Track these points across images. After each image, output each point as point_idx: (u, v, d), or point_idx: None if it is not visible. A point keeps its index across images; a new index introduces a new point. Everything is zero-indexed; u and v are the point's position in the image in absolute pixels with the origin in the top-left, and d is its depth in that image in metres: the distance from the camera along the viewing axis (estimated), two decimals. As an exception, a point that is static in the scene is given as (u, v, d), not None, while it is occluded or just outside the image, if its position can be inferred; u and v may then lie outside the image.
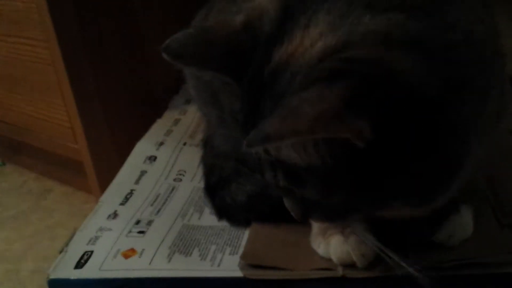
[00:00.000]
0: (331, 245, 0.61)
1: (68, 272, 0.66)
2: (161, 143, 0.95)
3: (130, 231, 0.72)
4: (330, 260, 0.61)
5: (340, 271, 0.60)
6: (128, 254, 0.68)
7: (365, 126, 0.42)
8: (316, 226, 0.64)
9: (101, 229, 0.73)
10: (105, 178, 0.91)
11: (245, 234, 0.70)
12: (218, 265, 0.65)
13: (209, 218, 0.75)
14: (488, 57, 0.51)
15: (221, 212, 0.75)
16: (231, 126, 0.60)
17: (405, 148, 0.45)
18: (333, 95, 0.41)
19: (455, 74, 0.46)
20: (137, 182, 0.84)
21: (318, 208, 0.53)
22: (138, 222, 0.74)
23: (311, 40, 0.46)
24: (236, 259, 0.65)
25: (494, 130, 0.57)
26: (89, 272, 0.65)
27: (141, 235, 0.71)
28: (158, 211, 0.77)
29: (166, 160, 0.90)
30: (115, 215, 0.76)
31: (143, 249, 0.68)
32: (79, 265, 0.66)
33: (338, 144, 0.44)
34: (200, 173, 0.84)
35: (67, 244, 0.70)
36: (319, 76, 0.43)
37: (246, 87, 0.51)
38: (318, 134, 0.42)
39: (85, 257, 0.68)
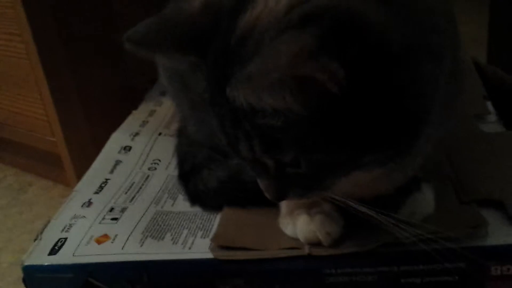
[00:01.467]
0: (297, 225, 0.63)
1: (42, 258, 0.67)
2: (136, 134, 0.96)
3: (103, 218, 0.73)
4: (297, 239, 0.63)
5: (306, 250, 0.61)
6: (101, 240, 0.69)
7: (338, 69, 0.44)
8: (284, 208, 0.66)
9: (75, 217, 0.74)
10: (83, 170, 0.91)
11: (217, 218, 0.71)
12: (190, 248, 0.66)
13: (182, 204, 0.76)
14: (445, 30, 0.55)
15: (194, 198, 0.76)
16: (202, 109, 0.61)
17: (373, 99, 0.47)
18: (307, 35, 0.42)
19: (417, 34, 0.49)
20: (111, 171, 0.85)
21: (293, 179, 0.53)
22: (112, 210, 0.75)
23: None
24: (207, 242, 0.66)
25: (453, 106, 0.60)
26: (62, 258, 0.66)
27: (115, 221, 0.72)
28: (132, 199, 0.78)
29: (141, 149, 0.91)
30: (89, 203, 0.77)
31: (116, 235, 0.69)
32: (53, 251, 0.67)
33: (315, 91, 0.45)
34: (174, 161, 0.85)
35: (41, 232, 0.71)
36: (290, 24, 0.44)
37: (211, 61, 0.51)
38: (297, 70, 0.43)
39: (59, 244, 0.69)
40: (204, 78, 0.54)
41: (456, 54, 0.58)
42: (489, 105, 0.89)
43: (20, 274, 0.67)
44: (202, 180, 0.75)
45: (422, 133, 0.52)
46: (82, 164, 1.09)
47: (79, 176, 1.10)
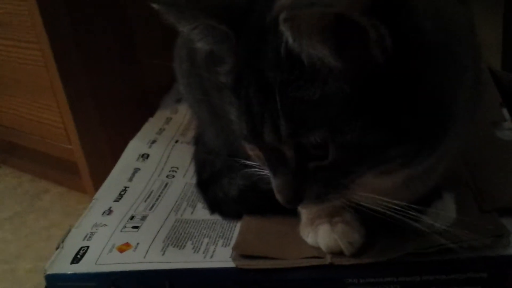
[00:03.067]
0: (319, 234, 0.63)
1: (65, 267, 0.67)
2: (154, 141, 0.97)
3: (124, 226, 0.74)
4: (318, 248, 0.63)
5: (328, 259, 0.62)
6: (123, 248, 0.69)
7: (386, 34, 0.44)
8: (305, 216, 0.66)
9: (96, 225, 0.74)
10: (99, 178, 0.92)
11: (237, 226, 0.72)
12: (211, 257, 0.67)
13: (201, 212, 0.77)
14: (469, 40, 0.56)
15: (213, 206, 0.77)
16: (223, 101, 0.57)
17: (411, 84, 0.48)
18: None
19: (447, 38, 0.51)
20: (130, 179, 0.86)
21: (314, 175, 0.52)
22: (132, 218, 0.76)
23: None
24: (229, 250, 0.67)
25: (473, 116, 0.60)
26: (85, 266, 0.67)
27: (136, 230, 0.73)
28: (152, 207, 0.78)
29: (158, 157, 0.92)
30: (109, 211, 0.78)
31: (138, 243, 0.70)
32: (75, 260, 0.68)
33: (360, 51, 0.45)
34: (192, 169, 0.86)
35: (63, 241, 0.72)
36: None
37: (245, 37, 0.50)
38: (353, 16, 0.42)
39: (81, 252, 0.69)
40: (231, 56, 0.53)
41: (477, 65, 0.58)
42: (505, 112, 0.89)
43: (38, 281, 0.67)
44: (222, 189, 0.76)
45: (447, 134, 0.52)
46: (99, 171, 1.10)
47: (95, 183, 1.12)
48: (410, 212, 0.54)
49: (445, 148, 0.55)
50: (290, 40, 0.45)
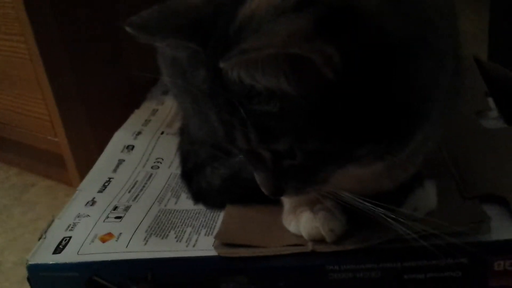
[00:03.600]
0: (301, 222, 0.63)
1: (47, 257, 0.67)
2: (139, 133, 0.96)
3: (107, 217, 0.73)
4: (301, 236, 0.63)
5: (310, 246, 0.62)
6: (105, 238, 0.69)
7: (334, 53, 0.44)
8: (287, 205, 0.66)
9: (79, 216, 0.74)
10: (86, 170, 0.91)
11: (220, 216, 0.72)
12: (194, 246, 0.67)
13: (185, 202, 0.77)
14: (445, 27, 0.55)
15: (197, 196, 0.76)
16: (202, 104, 0.60)
17: (369, 89, 0.47)
18: (303, 19, 0.43)
19: (414, 28, 0.49)
20: (114, 170, 0.86)
21: (289, 173, 0.53)
22: (115, 208, 0.75)
23: None
24: (211, 239, 0.67)
25: (454, 104, 0.60)
26: (67, 256, 0.67)
27: (119, 220, 0.73)
28: (136, 197, 0.78)
29: (143, 148, 0.92)
30: (93, 202, 0.77)
31: (120, 233, 0.70)
32: (58, 250, 0.68)
33: (309, 74, 0.45)
34: (177, 160, 0.86)
35: (45, 231, 0.72)
36: (286, 9, 0.45)
37: (211, 50, 0.51)
38: (292, 49, 0.43)
39: (63, 242, 0.69)
40: (203, 67, 0.54)
41: (457, 52, 0.58)
42: (491, 101, 0.89)
43: (24, 273, 0.67)
44: (205, 178, 0.76)
45: (419, 128, 0.52)
46: (85, 164, 1.10)
47: (82, 176, 1.11)
48: (383, 209, 0.55)
49: (423, 137, 0.54)
50: (243, 76, 0.47)
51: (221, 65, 0.44)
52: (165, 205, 0.76)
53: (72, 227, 0.72)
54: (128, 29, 0.51)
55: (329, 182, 0.55)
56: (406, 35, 0.48)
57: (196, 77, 0.57)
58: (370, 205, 0.55)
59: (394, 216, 0.56)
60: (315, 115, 0.48)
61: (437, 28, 0.53)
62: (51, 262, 0.66)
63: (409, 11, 0.49)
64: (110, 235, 0.70)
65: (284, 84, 0.46)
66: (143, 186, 0.81)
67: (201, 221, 0.72)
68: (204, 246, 0.66)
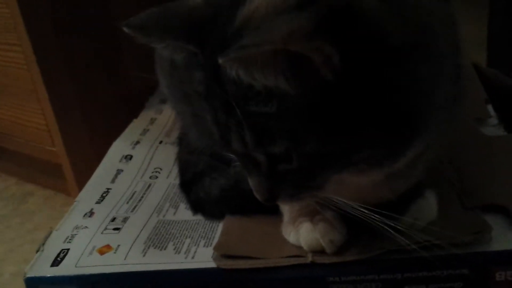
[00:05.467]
0: (300, 232, 0.62)
1: (45, 270, 0.66)
2: (137, 142, 0.96)
3: (105, 228, 0.73)
4: (300, 247, 0.62)
5: (309, 258, 0.61)
6: (104, 250, 0.68)
7: (333, 53, 0.44)
8: (287, 215, 0.66)
9: (77, 228, 0.74)
10: (84, 180, 0.91)
11: (219, 227, 0.71)
12: (192, 257, 0.66)
13: (184, 213, 0.76)
14: (445, 34, 0.55)
15: (196, 206, 0.76)
16: (199, 108, 0.58)
17: (368, 92, 0.47)
18: (304, 18, 0.43)
19: (413, 33, 0.49)
20: (113, 181, 0.85)
21: (285, 177, 0.53)
22: (113, 219, 0.75)
23: None
24: (210, 251, 0.66)
25: (456, 112, 0.60)
26: (65, 269, 0.66)
27: (117, 231, 0.72)
28: (134, 208, 0.78)
29: (142, 158, 0.91)
30: (91, 213, 0.77)
31: (119, 245, 0.69)
32: (56, 263, 0.67)
33: (308, 74, 0.45)
34: (175, 170, 0.85)
35: (43, 243, 0.71)
36: (287, 9, 0.44)
37: (209, 51, 0.51)
38: (292, 46, 0.43)
39: (61, 255, 0.68)
40: (200, 69, 0.54)
41: (458, 60, 0.57)
42: (490, 108, 0.89)
43: (22, 284, 0.66)
44: (203, 189, 0.75)
45: (417, 136, 0.52)
46: (83, 174, 1.09)
47: (80, 186, 1.10)
48: (385, 219, 0.54)
49: (424, 145, 0.54)
50: (242, 73, 0.46)
51: (220, 61, 0.44)
52: (164, 216, 0.76)
53: (70, 239, 0.71)
54: (125, 29, 0.51)
55: (325, 188, 0.54)
56: (406, 39, 0.48)
57: (192, 79, 0.56)
58: (371, 213, 0.55)
59: (394, 225, 0.55)
60: (313, 116, 0.47)
61: (437, 34, 0.52)
62: (49, 275, 0.66)
63: (410, 15, 0.49)
64: (108, 247, 0.69)
65: (283, 83, 0.46)
66: (142, 197, 0.81)
67: (200, 232, 0.71)
68: (203, 258, 0.65)
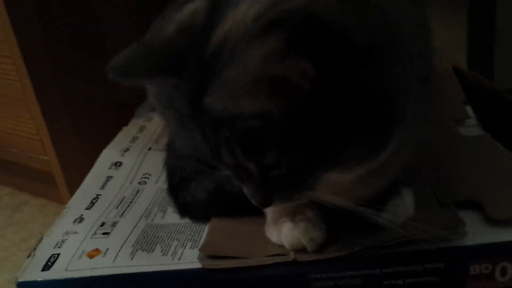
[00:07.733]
0: (282, 232, 0.64)
1: (36, 274, 0.68)
2: (127, 149, 0.98)
3: (95, 233, 0.75)
4: (282, 246, 0.64)
5: (291, 256, 0.63)
6: (93, 254, 0.70)
7: (307, 66, 0.46)
8: (269, 216, 0.68)
9: (67, 233, 0.75)
10: (76, 188, 0.92)
11: (206, 229, 0.73)
12: (179, 259, 0.68)
13: (172, 217, 0.78)
14: (415, 35, 0.57)
15: (183, 210, 0.78)
16: (186, 124, 0.63)
17: (343, 96, 0.49)
18: (274, 39, 0.45)
19: (379, 34, 0.51)
20: (102, 187, 0.87)
21: (277, 182, 0.55)
22: (103, 224, 0.77)
23: (243, 12, 0.50)
24: (196, 252, 0.68)
25: (428, 110, 0.62)
26: (55, 273, 0.68)
27: (106, 236, 0.74)
28: (123, 213, 0.79)
29: (131, 165, 0.93)
30: (81, 219, 0.79)
31: (107, 249, 0.71)
32: (46, 267, 0.69)
33: (289, 90, 0.47)
34: (164, 175, 0.87)
35: (35, 248, 0.73)
36: (258, 31, 0.46)
37: (189, 78, 0.53)
38: (268, 72, 0.46)
39: (52, 259, 0.70)
40: (186, 94, 0.56)
41: (428, 60, 0.60)
42: (469, 109, 0.91)
43: (16, 292, 0.68)
44: (190, 192, 0.77)
45: (393, 130, 0.54)
46: (75, 182, 1.10)
47: (72, 194, 1.12)
48: (368, 210, 0.57)
49: (398, 142, 0.56)
50: (228, 106, 0.48)
51: (205, 101, 0.46)
52: (152, 220, 0.77)
53: (60, 244, 0.73)
54: (110, 75, 0.54)
55: (316, 188, 0.56)
56: (370, 40, 0.50)
57: (179, 103, 0.59)
58: (357, 206, 0.57)
59: (375, 219, 0.57)
60: (297, 125, 0.50)
61: (404, 35, 0.54)
62: (40, 279, 0.67)
63: (373, 17, 0.51)
64: (97, 251, 0.71)
65: (268, 104, 0.48)
66: (131, 202, 0.82)
67: (187, 234, 0.73)
68: (189, 259, 0.67)
